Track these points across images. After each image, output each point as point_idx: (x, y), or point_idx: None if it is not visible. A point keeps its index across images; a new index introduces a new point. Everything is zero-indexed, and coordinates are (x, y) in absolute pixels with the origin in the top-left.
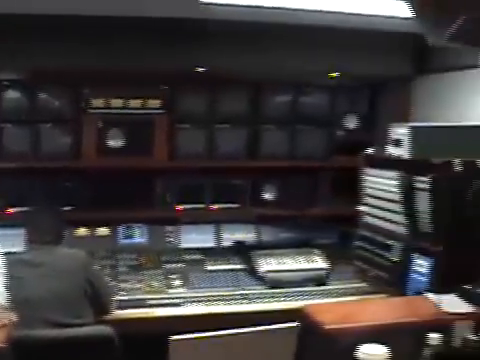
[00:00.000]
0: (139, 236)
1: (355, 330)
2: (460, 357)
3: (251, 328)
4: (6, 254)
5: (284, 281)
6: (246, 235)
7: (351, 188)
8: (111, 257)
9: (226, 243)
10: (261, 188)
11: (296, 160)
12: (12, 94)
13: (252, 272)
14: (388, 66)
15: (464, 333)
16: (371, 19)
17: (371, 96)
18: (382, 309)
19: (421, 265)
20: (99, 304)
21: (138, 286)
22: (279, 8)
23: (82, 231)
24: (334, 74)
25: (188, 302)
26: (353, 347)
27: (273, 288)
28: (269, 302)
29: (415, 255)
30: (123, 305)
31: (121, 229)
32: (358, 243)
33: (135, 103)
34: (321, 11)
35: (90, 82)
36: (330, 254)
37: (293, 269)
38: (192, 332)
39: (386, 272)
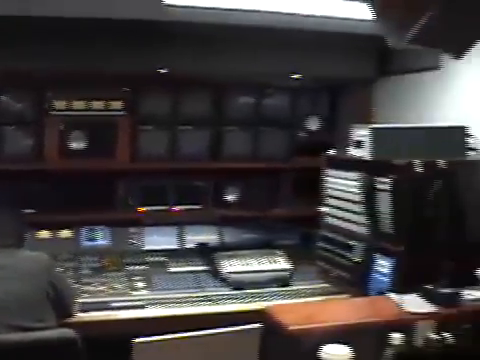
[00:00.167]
0: (102, 238)
1: (318, 330)
2: (422, 357)
3: (215, 330)
4: None
5: (247, 282)
6: (209, 236)
7: (313, 189)
8: (74, 259)
9: (189, 245)
10: (224, 189)
11: (258, 161)
12: None
13: (215, 273)
14: (349, 68)
15: (426, 333)
16: (332, 21)
17: (332, 98)
18: (345, 309)
19: (383, 265)
20: (62, 307)
21: (101, 288)
22: (241, 10)
23: (44, 233)
24: (296, 76)
25: (151, 304)
26: (316, 347)
27: (236, 289)
28: (232, 303)
29: (377, 255)
30: (86, 308)
31: (84, 231)
32: (320, 244)
33: (97, 105)
34: (283, 13)
35: (52, 84)
36: (292, 255)
37: (256, 270)
38: (155, 334)
39: (348, 272)
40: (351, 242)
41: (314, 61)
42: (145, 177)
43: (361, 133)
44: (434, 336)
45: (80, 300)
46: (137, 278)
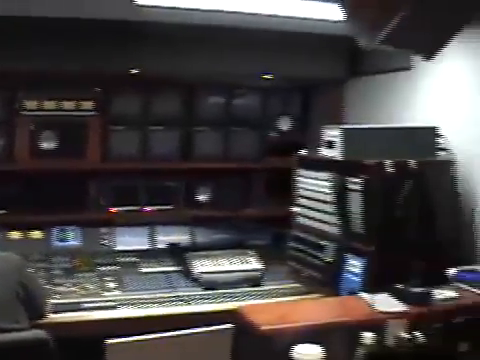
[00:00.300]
0: (73, 239)
1: (290, 330)
2: (393, 356)
3: (187, 330)
4: None
5: (219, 282)
6: (180, 237)
7: (284, 189)
8: (45, 260)
9: (161, 245)
10: (195, 189)
11: (230, 161)
12: None
13: (187, 274)
14: (321, 68)
15: (397, 332)
16: (304, 22)
17: (304, 98)
18: (316, 309)
19: (354, 265)
20: (33, 308)
21: (73, 289)
22: (213, 11)
23: (15, 234)
24: (267, 76)
25: (123, 305)
26: (288, 347)
27: (208, 289)
28: (204, 303)
29: (348, 255)
30: (58, 308)
31: (55, 232)
32: (292, 244)
33: (68, 105)
34: (254, 14)
35: (23, 84)
36: (264, 255)
37: (228, 270)
38: (128, 335)
39: (320, 272)
40: (323, 242)
41: (285, 61)
42: (116, 177)
43: (332, 133)
44: (405, 335)
45: (52, 301)
46: (109, 278)
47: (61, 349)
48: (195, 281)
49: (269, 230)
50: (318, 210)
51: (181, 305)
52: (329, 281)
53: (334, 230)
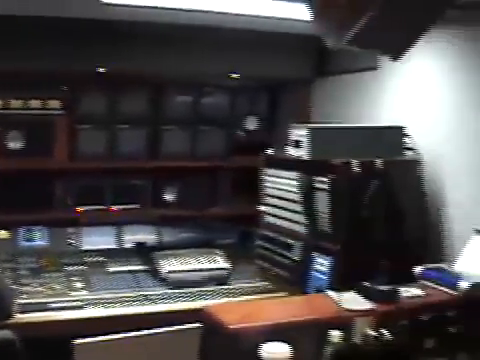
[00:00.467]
0: (40, 238)
1: (257, 329)
2: (361, 353)
3: (154, 330)
4: None
5: (186, 281)
6: (147, 236)
7: (251, 188)
8: (12, 260)
9: (127, 244)
10: (162, 188)
11: (197, 160)
12: None
13: (154, 273)
14: (288, 68)
15: (364, 329)
16: (272, 21)
17: (271, 97)
18: (284, 308)
19: (321, 264)
20: (0, 308)
21: (40, 289)
22: (180, 10)
23: None
24: (235, 75)
25: (90, 304)
26: (256, 346)
27: (175, 289)
28: (172, 303)
29: (315, 254)
30: (25, 309)
31: (21, 231)
32: (259, 242)
33: (35, 104)
34: (222, 12)
35: None
36: (231, 254)
37: (195, 269)
38: (95, 335)
39: (287, 271)
40: (290, 241)
41: (252, 61)
42: (83, 176)
43: (299, 133)
44: (372, 333)
45: (19, 301)
46: (76, 278)
47: (28, 349)
48: (162, 280)
49: (236, 229)
50: (285, 209)
51: (148, 304)
52: (296, 280)
53: (301, 229)
